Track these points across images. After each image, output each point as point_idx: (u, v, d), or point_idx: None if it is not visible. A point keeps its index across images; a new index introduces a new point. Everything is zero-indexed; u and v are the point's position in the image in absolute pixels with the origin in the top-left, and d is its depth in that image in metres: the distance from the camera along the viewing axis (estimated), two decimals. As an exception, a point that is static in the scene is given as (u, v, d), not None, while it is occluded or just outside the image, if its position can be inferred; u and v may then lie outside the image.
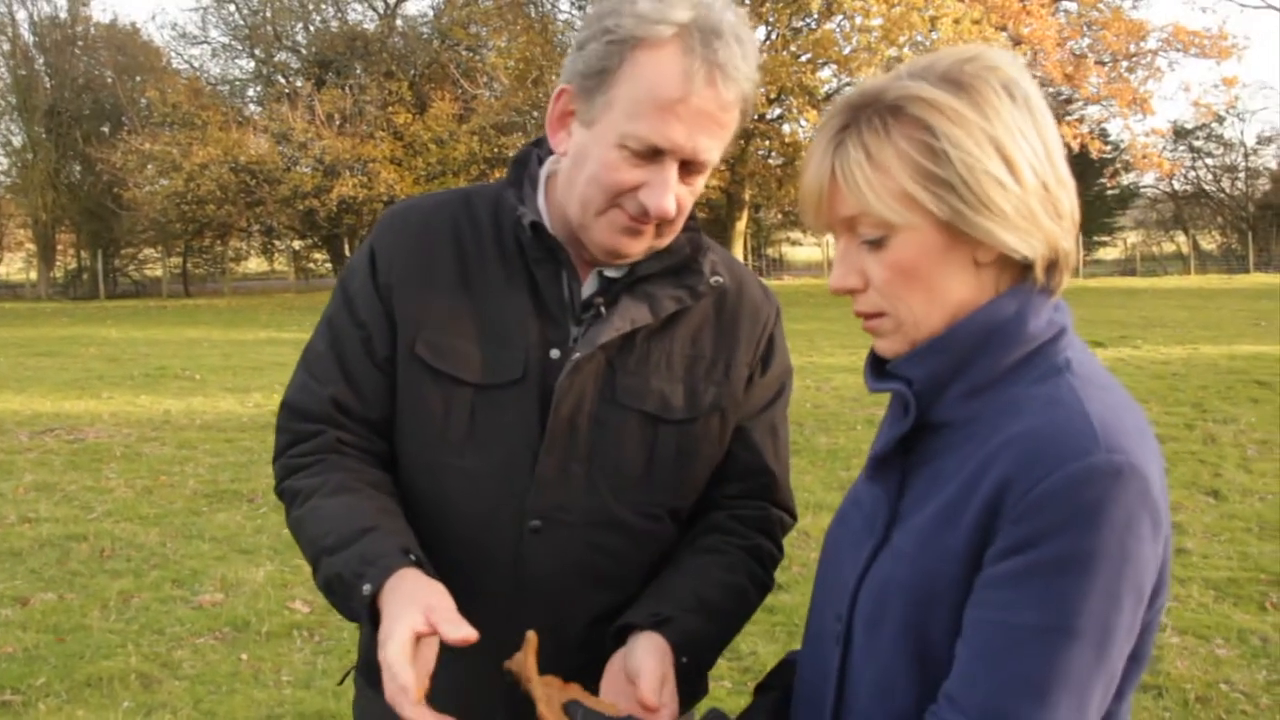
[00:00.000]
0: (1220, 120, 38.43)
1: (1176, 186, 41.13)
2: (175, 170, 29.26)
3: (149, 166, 30.80)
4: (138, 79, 34.54)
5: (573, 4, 30.27)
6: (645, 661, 1.41)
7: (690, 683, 1.52)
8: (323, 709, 4.04)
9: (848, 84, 28.15)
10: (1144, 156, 31.51)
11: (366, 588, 1.37)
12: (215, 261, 38.09)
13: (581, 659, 1.53)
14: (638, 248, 1.52)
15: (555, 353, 1.54)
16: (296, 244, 37.66)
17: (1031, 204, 1.16)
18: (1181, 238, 41.73)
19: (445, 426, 1.55)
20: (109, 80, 34.75)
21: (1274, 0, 42.27)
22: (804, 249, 43.58)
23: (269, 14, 35.95)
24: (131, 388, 12.31)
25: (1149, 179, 40.00)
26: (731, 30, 1.42)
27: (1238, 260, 36.98)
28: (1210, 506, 6.66)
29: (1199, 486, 7.11)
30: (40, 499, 7.18)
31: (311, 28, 36.31)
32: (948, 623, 1.13)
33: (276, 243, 38.03)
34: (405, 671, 1.23)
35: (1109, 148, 34.30)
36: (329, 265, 36.98)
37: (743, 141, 27.65)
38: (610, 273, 1.57)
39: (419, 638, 1.28)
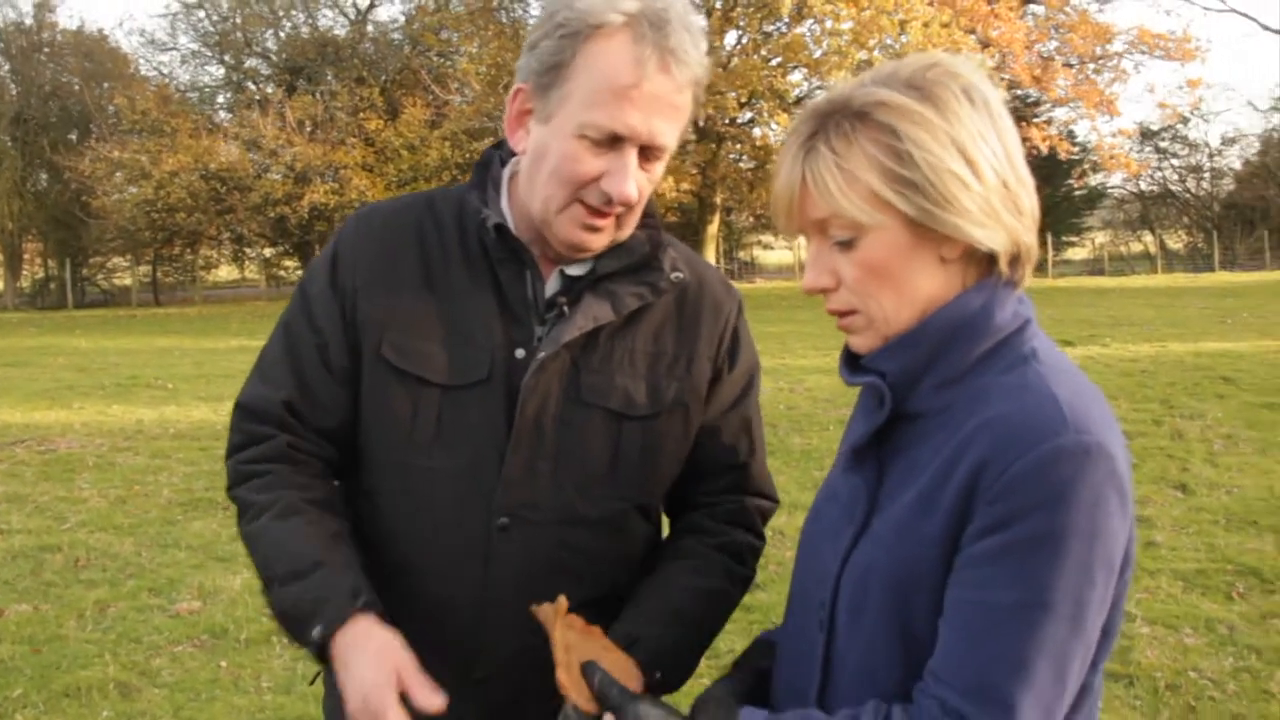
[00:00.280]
0: (1185, 121, 38.81)
1: (1143, 187, 41.56)
2: (144, 178, 29.08)
3: (118, 174, 30.58)
4: (105, 86, 34.24)
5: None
6: None
7: (671, 687, 1.55)
8: (303, 714, 4.05)
9: (818, 88, 28.27)
10: (1111, 157, 31.77)
11: (317, 630, 1.42)
12: (185, 270, 37.83)
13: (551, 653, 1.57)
14: (600, 241, 1.55)
15: (520, 352, 1.56)
16: (267, 251, 37.44)
17: (993, 201, 1.21)
18: (1148, 237, 42.13)
19: (412, 428, 1.57)
20: (76, 87, 34.43)
21: (1235, 4, 42.88)
22: (775, 252, 43.73)
23: (239, 20, 35.78)
24: (103, 397, 12.23)
25: (1116, 180, 40.39)
26: (679, 17, 1.47)
27: (1203, 259, 37.35)
28: (1178, 500, 6.76)
29: (1167, 481, 7.21)
30: (12, 510, 7.13)
31: (282, 34, 36.17)
32: (929, 605, 1.18)
33: (247, 250, 37.81)
34: None
35: (1077, 149, 34.58)
36: (300, 273, 36.83)
37: (714, 145, 27.74)
38: (573, 271, 1.60)
39: None
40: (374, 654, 1.38)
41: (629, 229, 1.58)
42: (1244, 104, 53.17)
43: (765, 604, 4.93)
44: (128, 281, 36.13)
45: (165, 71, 38.75)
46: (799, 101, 28.60)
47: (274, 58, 35.97)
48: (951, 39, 24.40)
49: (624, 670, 1.38)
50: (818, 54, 25.80)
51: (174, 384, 13.28)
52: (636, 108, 1.44)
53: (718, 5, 27.20)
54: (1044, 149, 25.81)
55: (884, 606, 1.21)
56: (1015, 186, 1.24)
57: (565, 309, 1.58)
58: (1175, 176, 41.42)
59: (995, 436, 1.15)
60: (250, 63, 36.48)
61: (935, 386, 1.25)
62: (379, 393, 1.58)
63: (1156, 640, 4.59)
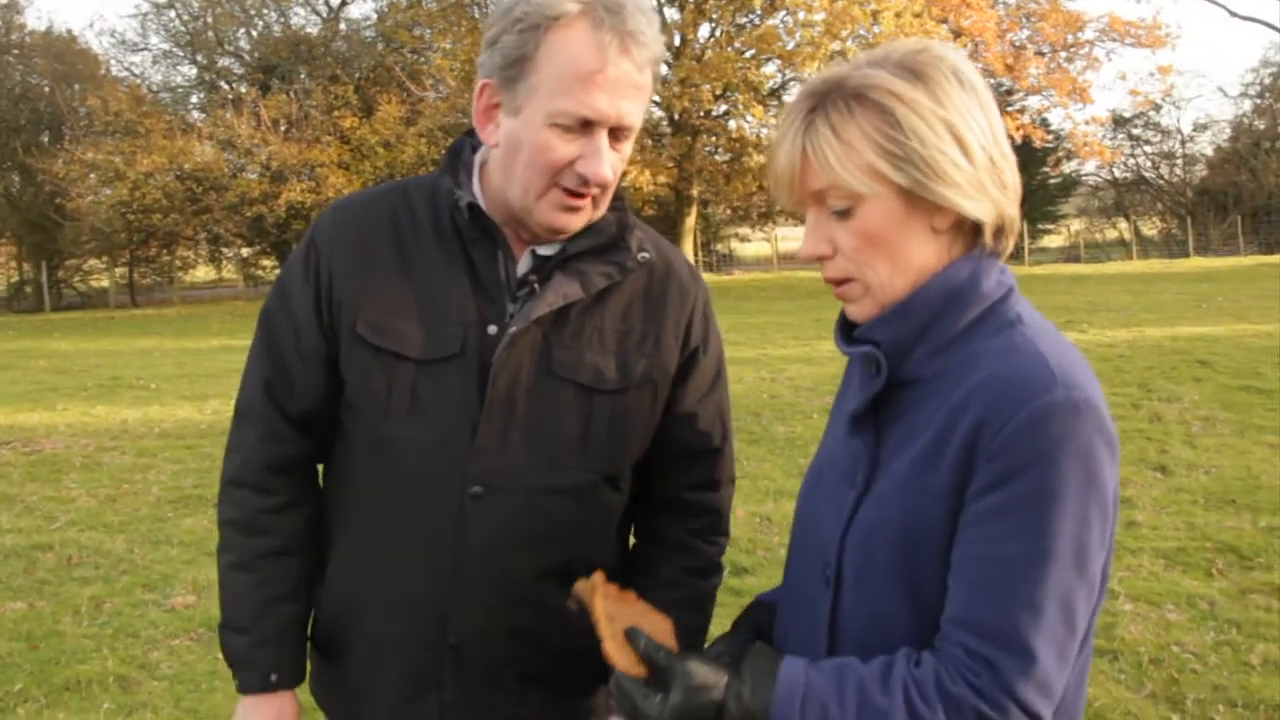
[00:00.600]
0: (1157, 108, 39.11)
1: (1117, 174, 41.77)
2: (119, 179, 28.85)
3: (91, 176, 30.36)
4: (76, 87, 33.95)
5: (517, 4, 30.13)
6: None
7: None
8: (305, 702, 4.08)
9: (792, 79, 28.35)
10: (1085, 145, 32.01)
11: (236, 682, 1.76)
12: (162, 271, 37.59)
13: (525, 616, 1.66)
14: (579, 221, 1.62)
15: (493, 328, 1.63)
16: (245, 251, 37.23)
17: (982, 177, 1.30)
18: (1123, 224, 42.41)
19: (388, 401, 1.64)
20: (46, 89, 34.12)
21: (1206, -11, 43.31)
22: (753, 244, 43.74)
23: (210, 20, 35.49)
24: (86, 398, 12.19)
25: (1090, 167, 40.64)
26: (633, 0, 1.54)
27: (1178, 245, 37.59)
28: (1158, 481, 6.87)
29: (1147, 462, 7.33)
30: (1, 510, 7.14)
31: (254, 33, 35.92)
32: (935, 558, 1.26)
33: (224, 250, 37.59)
34: None
35: (1050, 137, 34.77)
36: (278, 272, 36.60)
37: (689, 138, 27.78)
38: (544, 251, 1.67)
39: None
40: None
41: (603, 208, 1.66)
42: (1215, 90, 53.46)
43: (755, 588, 5.01)
44: (105, 283, 35.84)
45: (137, 72, 38.51)
46: (773, 93, 28.70)
47: (247, 57, 35.71)
48: (924, 29, 24.52)
49: (664, 632, 1.44)
50: (791, 45, 25.89)
51: (156, 384, 13.24)
52: (603, 91, 1.51)
53: (691, -1, 27.28)
54: (1018, 137, 25.97)
55: (892, 562, 1.29)
56: (1000, 162, 1.32)
57: (536, 287, 1.65)
58: (1148, 163, 41.67)
59: (990, 396, 1.23)
60: (223, 62, 36.21)
61: (928, 353, 1.32)
62: (357, 369, 1.66)
63: (1139, 616, 4.69)
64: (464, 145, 1.74)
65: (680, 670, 1.29)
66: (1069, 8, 30.94)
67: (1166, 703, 3.93)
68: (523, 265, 1.67)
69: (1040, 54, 30.79)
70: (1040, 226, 41.01)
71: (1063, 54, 31.21)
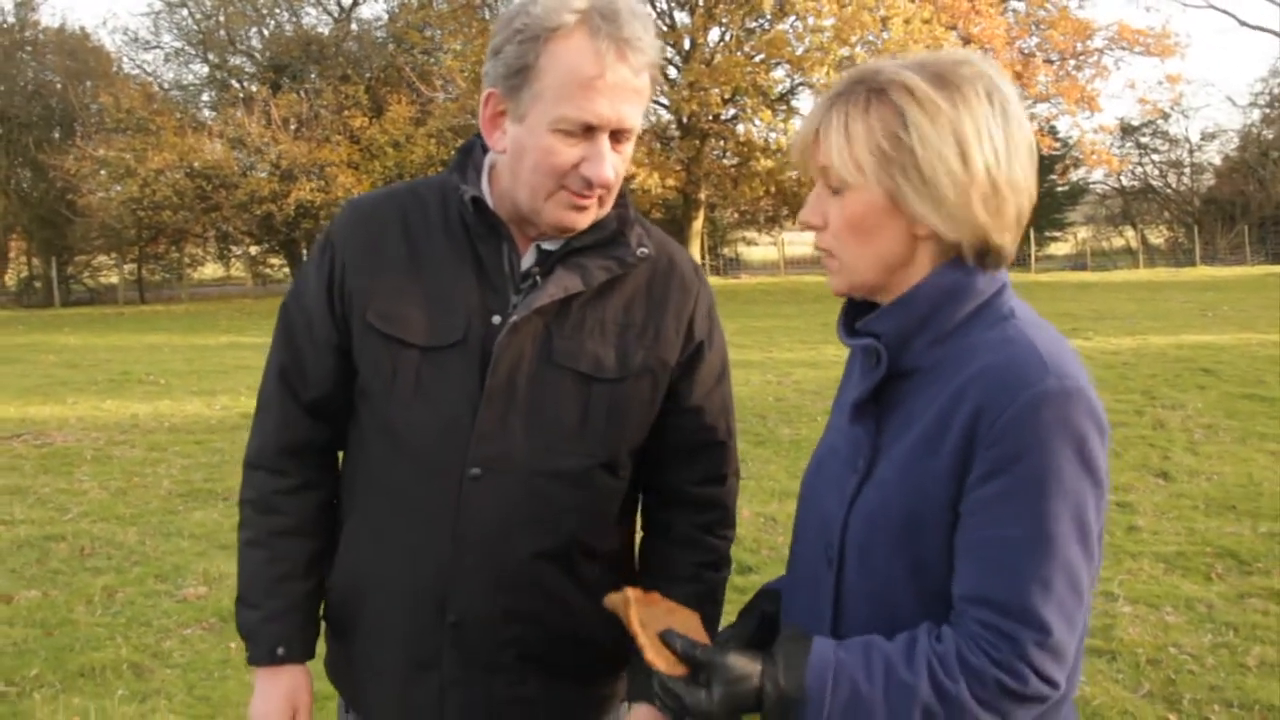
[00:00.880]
0: (1165, 117, 39.07)
1: (1124, 182, 41.73)
2: (130, 176, 28.98)
3: (102, 172, 30.49)
4: (89, 84, 34.10)
5: (528, 7, 30.17)
6: None
7: None
8: (318, 691, 4.15)
9: (801, 84, 28.43)
10: (1092, 153, 32.07)
11: (247, 655, 1.85)
12: (171, 268, 37.73)
13: (523, 597, 1.73)
14: (586, 219, 1.70)
15: (496, 318, 1.71)
16: (253, 249, 37.38)
17: (972, 195, 1.36)
18: (1130, 232, 42.37)
19: (394, 385, 1.73)
20: (59, 86, 34.28)
21: (1214, 0, 43.24)
22: (759, 248, 43.79)
23: (222, 18, 35.66)
24: (96, 393, 12.29)
25: (1098, 175, 40.65)
26: (627, 7, 1.61)
27: (1184, 254, 37.59)
28: (1160, 487, 6.93)
29: (1149, 469, 7.38)
30: (14, 502, 7.22)
31: (265, 32, 36.07)
32: (937, 536, 1.34)
33: (233, 248, 37.74)
34: None
35: (1058, 145, 34.82)
36: (286, 270, 36.77)
37: (698, 142, 27.85)
38: (547, 246, 1.74)
39: None
40: (278, 695, 1.82)
41: (609, 205, 1.74)
42: (1223, 100, 53.57)
43: (759, 585, 5.06)
44: (113, 280, 36.00)
45: (149, 70, 38.63)
46: (782, 98, 28.77)
47: (258, 56, 35.87)
48: (933, 35, 24.59)
49: (694, 628, 1.51)
50: (800, 50, 25.95)
51: (166, 379, 13.34)
52: (603, 96, 1.59)
53: (700, 2, 27.34)
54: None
55: (893, 541, 1.37)
56: (1005, 190, 1.38)
57: (539, 279, 1.73)
58: (1156, 172, 41.63)
59: (988, 385, 1.31)
60: (234, 61, 36.38)
61: (927, 345, 1.40)
62: (368, 356, 1.75)
63: (1138, 619, 4.74)
64: (475, 145, 1.82)
65: (719, 664, 1.37)
66: (1078, 16, 31.05)
67: (1163, 702, 3.99)
68: (527, 260, 1.75)
69: (1049, 62, 30.85)
70: (1047, 234, 41.01)
71: (1071, 62, 31.28)
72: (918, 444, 1.36)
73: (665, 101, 27.68)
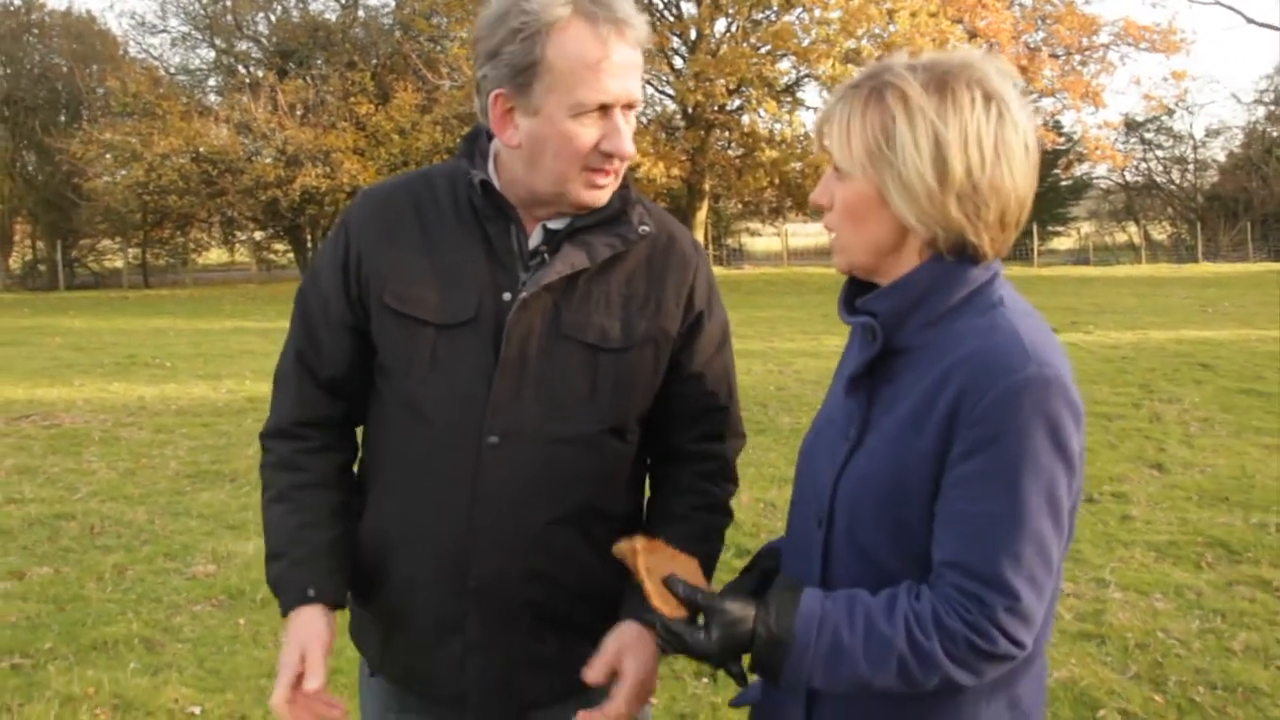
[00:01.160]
0: (1170, 113, 39.04)
1: (1128, 178, 41.71)
2: (135, 160, 29.04)
3: (108, 156, 30.55)
4: (95, 68, 34.14)
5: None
6: (608, 645, 1.78)
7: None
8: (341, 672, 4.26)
9: (806, 76, 28.46)
10: (1096, 148, 32.08)
11: (280, 608, 1.85)
12: (176, 253, 37.82)
13: (540, 559, 1.83)
14: (606, 194, 1.82)
15: (506, 295, 1.81)
16: (258, 234, 37.45)
17: (947, 199, 1.45)
18: (1133, 228, 42.37)
19: (411, 362, 1.83)
20: (65, 69, 34.32)
21: (1222, -5, 43.29)
22: (763, 239, 43.83)
23: (229, 3, 35.66)
24: (103, 375, 12.40)
25: (1101, 170, 40.62)
26: None
27: (1186, 250, 37.59)
28: (1154, 478, 7.02)
29: (1144, 460, 7.48)
30: (24, 481, 7.34)
31: (272, 18, 36.07)
32: (918, 505, 1.45)
33: (237, 234, 37.82)
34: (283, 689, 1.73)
35: (1063, 139, 34.82)
36: (290, 256, 36.86)
37: (703, 132, 27.87)
38: (553, 225, 1.85)
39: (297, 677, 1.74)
40: (297, 640, 1.78)
41: (620, 178, 1.84)
42: (1228, 96, 53.51)
43: (757, 569, 5.16)
44: (118, 264, 36.09)
45: (155, 54, 38.88)
46: (787, 89, 28.79)
47: (265, 41, 35.89)
48: (939, 28, 24.60)
49: (693, 571, 1.63)
50: (806, 42, 25.97)
51: (172, 362, 13.45)
52: (612, 76, 1.70)
53: (708, -6, 27.34)
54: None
55: (878, 506, 1.48)
56: (986, 192, 1.45)
57: (546, 257, 1.83)
58: (1160, 168, 41.59)
59: (972, 369, 1.41)
60: (241, 46, 36.39)
61: (919, 326, 1.50)
62: (385, 336, 1.85)
63: (1128, 604, 4.84)
64: (480, 132, 1.92)
65: (718, 609, 1.49)
66: (1084, 11, 31.02)
67: (1150, 684, 4.08)
68: (534, 239, 1.85)
69: (1055, 56, 30.86)
70: (1050, 229, 41.02)
71: (1077, 57, 31.30)
72: (905, 419, 1.46)
73: (671, 91, 27.71)
